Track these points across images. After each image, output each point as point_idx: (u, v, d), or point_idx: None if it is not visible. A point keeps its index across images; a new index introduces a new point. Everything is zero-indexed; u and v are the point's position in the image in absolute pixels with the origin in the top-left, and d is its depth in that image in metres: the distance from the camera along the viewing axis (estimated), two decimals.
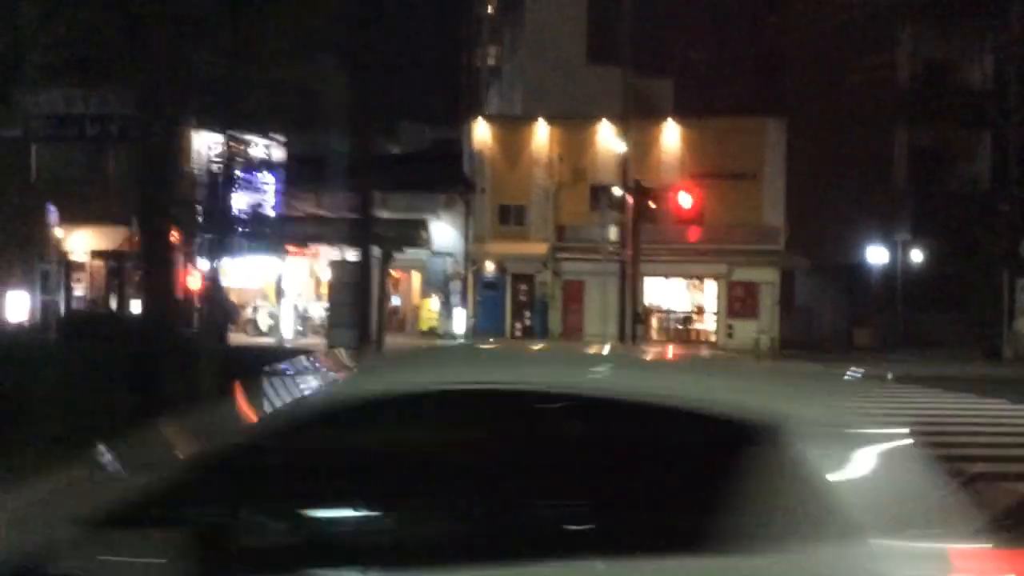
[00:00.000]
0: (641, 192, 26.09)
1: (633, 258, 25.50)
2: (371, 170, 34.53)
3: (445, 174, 34.77)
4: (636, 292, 25.40)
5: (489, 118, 35.11)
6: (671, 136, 33.16)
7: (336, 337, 24.60)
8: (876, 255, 38.76)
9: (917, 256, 38.94)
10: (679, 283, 35.19)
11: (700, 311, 35.30)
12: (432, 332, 33.36)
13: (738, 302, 33.07)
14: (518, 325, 33.89)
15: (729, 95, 40.84)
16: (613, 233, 27.14)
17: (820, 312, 39.08)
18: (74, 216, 32.60)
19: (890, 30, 39.04)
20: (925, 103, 38.61)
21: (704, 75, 41.85)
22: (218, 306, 26.89)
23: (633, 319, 25.50)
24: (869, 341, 37.57)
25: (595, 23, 38.01)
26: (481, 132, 34.15)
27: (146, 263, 9.81)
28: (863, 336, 38.21)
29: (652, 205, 27.23)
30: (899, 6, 38.61)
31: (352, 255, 29.10)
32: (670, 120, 33.21)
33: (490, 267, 33.77)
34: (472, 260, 33.71)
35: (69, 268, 34.46)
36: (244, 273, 33.42)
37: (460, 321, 32.32)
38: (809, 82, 40.20)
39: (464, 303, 33.23)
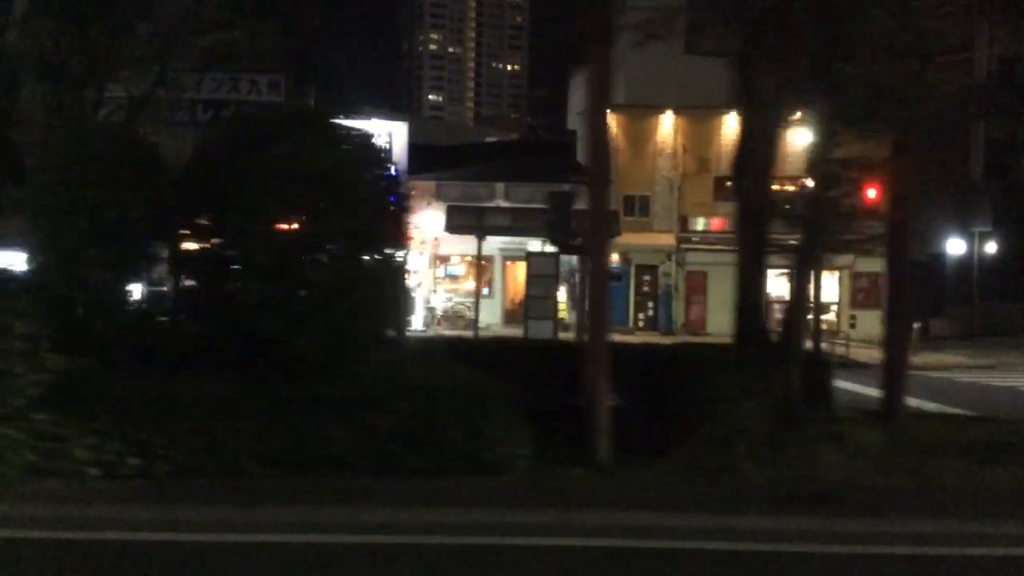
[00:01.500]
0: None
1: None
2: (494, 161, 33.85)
3: (560, 164, 34.55)
4: (819, 284, 25.51)
5: (614, 108, 34.91)
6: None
7: (534, 330, 24.39)
8: (953, 247, 39.66)
9: (991, 247, 39.96)
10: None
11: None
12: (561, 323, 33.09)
13: (862, 292, 33.56)
14: (641, 316, 33.88)
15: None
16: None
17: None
18: None
19: (966, 28, 39.87)
20: (1000, 98, 39.61)
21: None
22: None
23: (818, 312, 25.60)
24: (947, 331, 38.46)
25: (694, 14, 37.90)
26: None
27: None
28: (940, 326, 39.07)
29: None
30: (974, 5, 39.43)
31: (551, 247, 28.75)
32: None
33: (614, 257, 33.64)
34: None
35: (178, 256, 33.36)
36: None
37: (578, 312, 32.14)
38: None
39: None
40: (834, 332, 34.07)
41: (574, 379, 9.05)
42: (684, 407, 9.08)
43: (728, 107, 34.75)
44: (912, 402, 15.97)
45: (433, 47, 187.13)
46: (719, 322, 32.68)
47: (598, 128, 8.62)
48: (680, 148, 33.53)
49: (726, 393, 8.96)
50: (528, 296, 24.36)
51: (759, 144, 10.35)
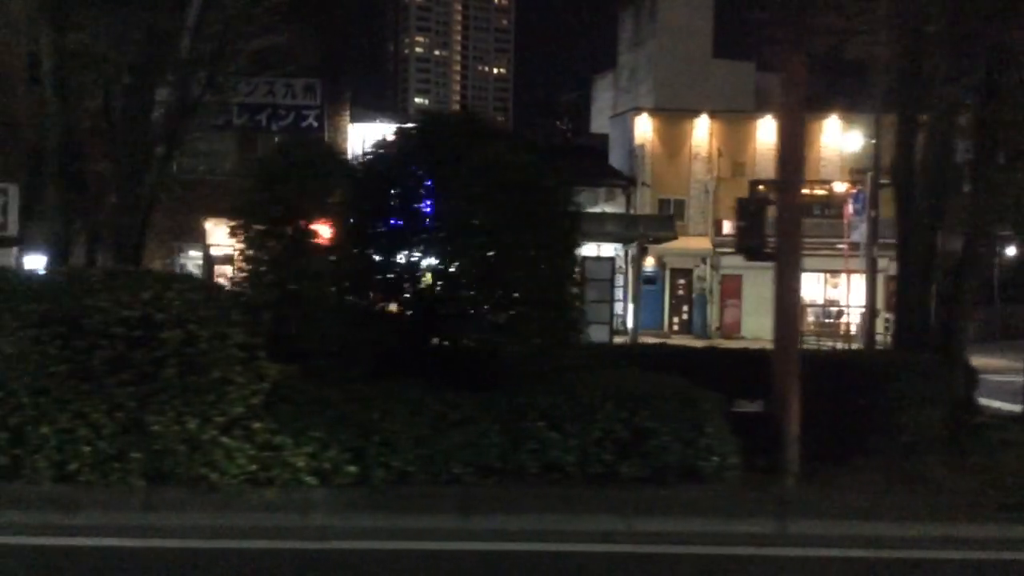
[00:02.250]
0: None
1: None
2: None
3: (594, 167, 34.60)
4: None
5: (650, 112, 34.99)
6: (832, 132, 33.60)
7: (591, 334, 24.34)
8: None
9: (1011, 250, 40.15)
10: (812, 277, 35.62)
11: (836, 305, 35.87)
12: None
13: (894, 296, 33.68)
14: (675, 320, 33.94)
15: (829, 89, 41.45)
16: (862, 232, 27.28)
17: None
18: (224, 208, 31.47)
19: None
20: None
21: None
22: None
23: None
24: (971, 334, 38.59)
25: (721, 18, 38.17)
26: (642, 126, 34.05)
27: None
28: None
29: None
30: None
31: (608, 250, 28.77)
32: (833, 116, 33.61)
33: (650, 261, 33.70)
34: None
35: (211, 260, 33.16)
36: None
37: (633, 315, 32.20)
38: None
39: (626, 297, 33.10)
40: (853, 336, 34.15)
41: (735, 384, 9.06)
42: (862, 414, 9.06)
43: (761, 111, 34.94)
44: (1005, 406, 16.02)
45: (419, 50, 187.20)
46: (754, 326, 32.76)
47: (792, 134, 8.60)
48: (715, 152, 33.61)
49: (911, 400, 8.97)
50: (583, 300, 24.28)
51: (927, 151, 10.35)
